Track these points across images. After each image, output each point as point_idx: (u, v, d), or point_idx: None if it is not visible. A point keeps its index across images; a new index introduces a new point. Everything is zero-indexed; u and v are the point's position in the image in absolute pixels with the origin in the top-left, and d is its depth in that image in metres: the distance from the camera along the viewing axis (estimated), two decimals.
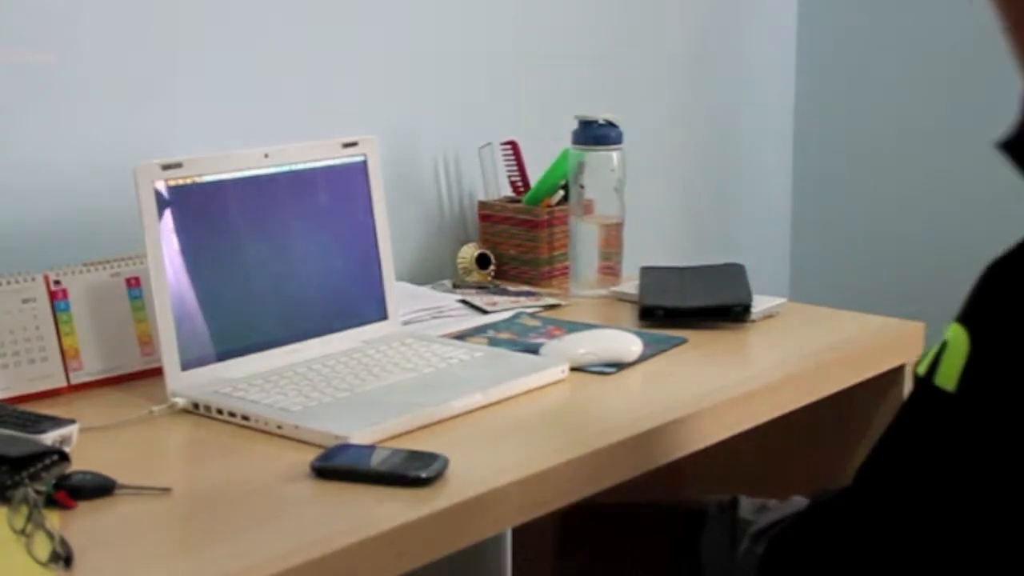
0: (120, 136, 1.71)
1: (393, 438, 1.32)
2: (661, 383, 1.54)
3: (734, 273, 1.91)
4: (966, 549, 1.01)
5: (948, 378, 0.99)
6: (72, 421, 1.30)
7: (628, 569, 1.73)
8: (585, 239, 1.93)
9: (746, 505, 1.54)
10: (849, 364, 1.68)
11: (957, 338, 0.99)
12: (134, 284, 1.54)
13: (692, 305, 1.76)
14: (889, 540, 1.04)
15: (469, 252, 2.05)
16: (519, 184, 2.11)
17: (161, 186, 1.45)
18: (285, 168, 1.57)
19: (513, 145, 2.11)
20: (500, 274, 2.05)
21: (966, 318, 1.01)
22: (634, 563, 1.71)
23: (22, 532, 1.08)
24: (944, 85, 2.73)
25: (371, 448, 1.27)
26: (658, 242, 2.51)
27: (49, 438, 1.26)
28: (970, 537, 1.01)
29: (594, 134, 1.92)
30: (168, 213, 1.45)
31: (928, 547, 1.03)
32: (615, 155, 1.92)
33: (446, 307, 1.84)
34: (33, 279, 1.48)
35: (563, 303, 1.89)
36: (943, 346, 1.01)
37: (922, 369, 1.02)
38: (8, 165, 1.62)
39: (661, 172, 2.57)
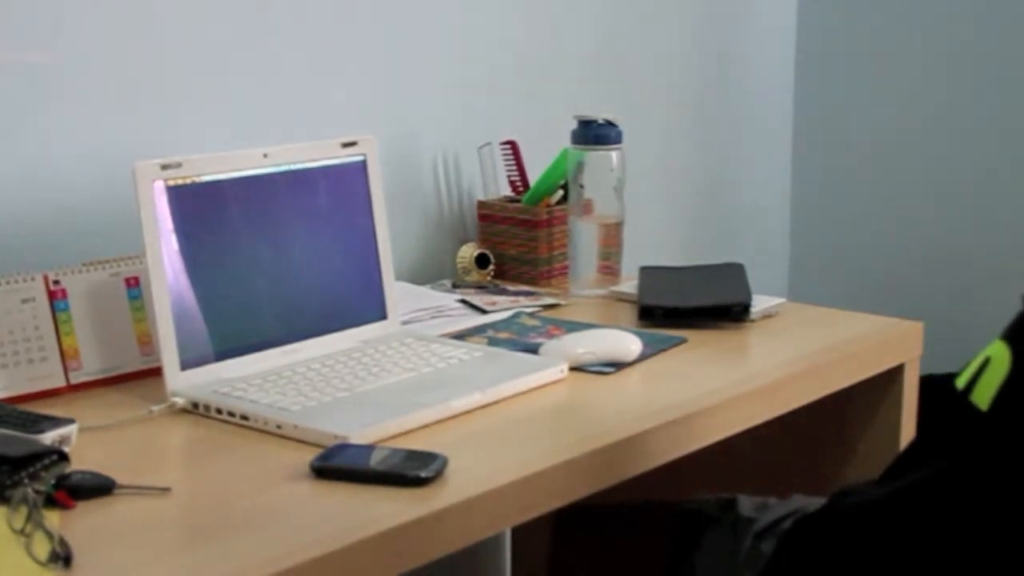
0: (120, 136, 1.71)
1: (392, 438, 1.32)
2: (661, 383, 1.54)
3: (733, 273, 1.91)
4: (988, 565, 1.01)
5: (983, 397, 0.98)
6: (71, 421, 1.30)
7: (625, 569, 1.73)
8: (585, 239, 1.93)
9: (746, 504, 1.54)
10: (849, 364, 1.68)
11: (1000, 356, 0.99)
12: (133, 284, 1.54)
13: (692, 305, 1.76)
14: (908, 550, 1.04)
15: (468, 252, 2.05)
16: (519, 184, 2.11)
17: (161, 186, 1.45)
18: (284, 168, 1.57)
19: (512, 145, 2.11)
20: (499, 274, 2.05)
21: (1012, 337, 1.00)
22: (631, 563, 1.71)
23: (21, 532, 1.08)
24: (944, 85, 2.73)
25: (370, 448, 1.27)
26: (658, 242, 2.51)
27: (48, 438, 1.26)
28: (991, 554, 1.01)
29: (594, 134, 1.92)
30: (168, 213, 1.45)
31: (946, 560, 1.02)
32: (615, 155, 1.92)
33: (445, 307, 1.84)
34: (32, 279, 1.48)
35: (562, 303, 1.89)
36: (986, 362, 1.00)
37: (961, 382, 1.01)
38: (8, 165, 1.62)
39: (661, 172, 2.57)
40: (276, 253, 1.55)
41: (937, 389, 1.05)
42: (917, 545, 1.04)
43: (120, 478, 1.19)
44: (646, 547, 1.69)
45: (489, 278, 2.04)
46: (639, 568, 1.72)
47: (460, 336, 1.69)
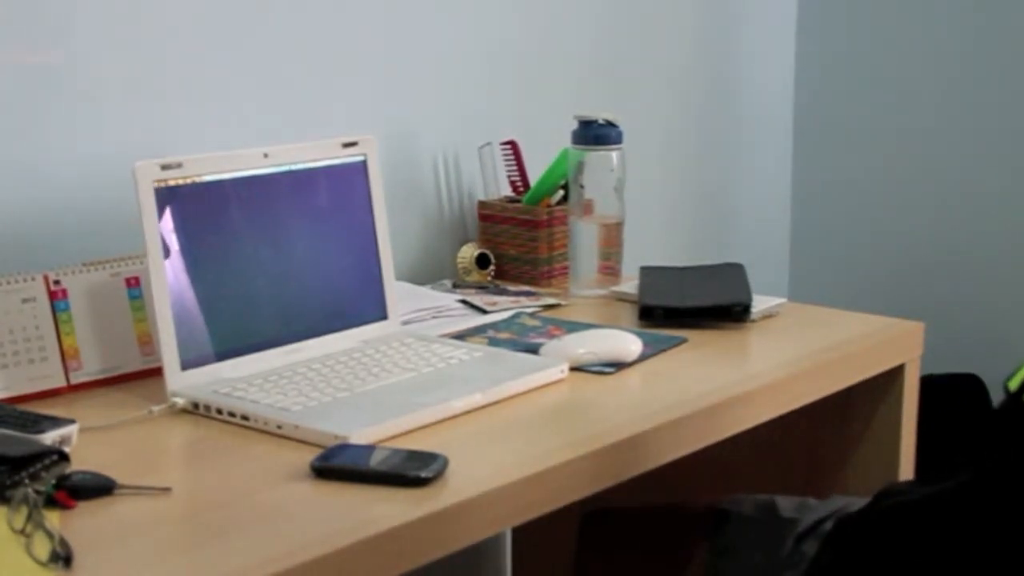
0: (120, 136, 1.71)
1: (393, 438, 1.32)
2: (661, 383, 1.54)
3: (734, 273, 1.91)
4: None
5: None
6: (72, 421, 1.30)
7: (656, 571, 1.71)
8: (585, 239, 1.93)
9: (786, 504, 1.52)
10: (849, 364, 1.68)
11: None
12: (134, 284, 1.54)
13: (692, 305, 1.76)
14: (956, 549, 1.04)
15: (469, 252, 2.05)
16: (519, 184, 2.11)
17: (161, 186, 1.44)
18: (285, 168, 1.57)
19: (513, 145, 2.11)
20: (500, 274, 2.05)
21: None
22: (663, 565, 1.69)
23: (22, 532, 1.08)
24: (944, 85, 2.73)
25: (371, 448, 1.27)
26: (658, 242, 2.51)
27: (49, 438, 1.26)
28: None
29: (594, 134, 1.92)
30: (168, 213, 1.45)
31: (995, 560, 1.02)
32: (615, 155, 1.92)
33: (446, 307, 1.84)
34: (33, 279, 1.48)
35: (563, 303, 1.89)
36: None
37: (1014, 384, 1.01)
38: (8, 165, 1.62)
39: (661, 172, 2.57)
40: (276, 253, 1.55)
41: (981, 392, 1.06)
42: (966, 544, 1.03)
43: (120, 478, 1.19)
44: (678, 549, 1.67)
45: (489, 278, 2.04)
46: (671, 570, 1.70)
47: (460, 336, 1.69)
